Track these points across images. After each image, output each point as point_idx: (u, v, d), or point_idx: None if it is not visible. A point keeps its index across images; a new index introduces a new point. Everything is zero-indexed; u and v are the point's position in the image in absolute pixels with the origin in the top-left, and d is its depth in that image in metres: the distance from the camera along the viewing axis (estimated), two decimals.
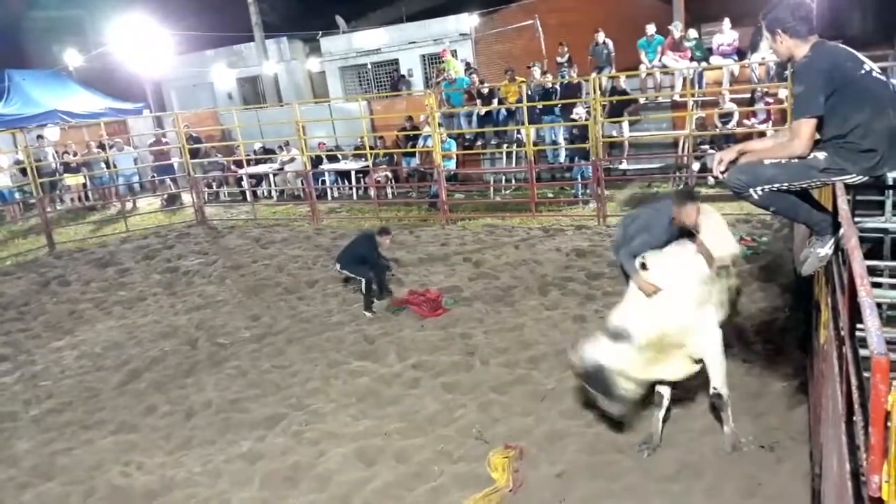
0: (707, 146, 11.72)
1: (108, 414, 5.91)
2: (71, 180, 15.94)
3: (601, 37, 13.54)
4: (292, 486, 4.56)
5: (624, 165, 12.37)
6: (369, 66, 20.64)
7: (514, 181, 13.24)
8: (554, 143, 12.54)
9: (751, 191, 3.30)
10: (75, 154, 16.38)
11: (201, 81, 22.61)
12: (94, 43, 20.78)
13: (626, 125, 12.45)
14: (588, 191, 11.56)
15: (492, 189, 13.06)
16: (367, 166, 13.73)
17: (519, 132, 12.76)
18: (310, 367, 6.34)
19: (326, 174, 14.68)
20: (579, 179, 11.83)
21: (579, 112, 11.63)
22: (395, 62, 19.95)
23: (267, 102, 20.13)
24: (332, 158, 15.13)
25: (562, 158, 12.45)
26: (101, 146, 15.72)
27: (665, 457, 4.42)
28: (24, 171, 12.62)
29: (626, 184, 11.59)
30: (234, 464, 4.88)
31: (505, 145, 13.29)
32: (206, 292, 9.01)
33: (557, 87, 12.78)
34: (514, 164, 13.14)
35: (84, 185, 16.13)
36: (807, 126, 3.11)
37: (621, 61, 13.90)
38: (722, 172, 3.43)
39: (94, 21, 21.63)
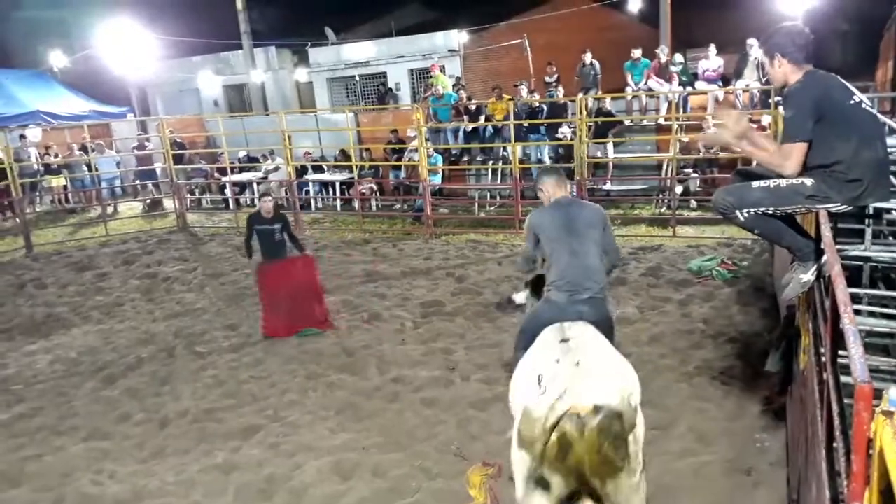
0: (690, 170, 11.86)
1: (80, 420, 5.80)
2: (52, 182, 15.76)
3: (588, 58, 13.68)
4: (266, 499, 4.49)
5: (608, 186, 12.46)
6: (357, 79, 20.70)
7: (498, 198, 13.28)
8: (539, 161, 12.61)
9: (737, 212, 3.34)
10: (57, 155, 16.20)
11: (187, 87, 22.54)
12: (80, 45, 20.64)
13: (610, 146, 12.55)
14: None
15: (476, 205, 13.09)
16: (352, 178, 13.71)
17: (505, 149, 12.81)
18: (288, 378, 6.28)
19: (311, 184, 14.64)
20: None
21: (565, 132, 11.72)
22: (384, 75, 20.04)
23: (253, 111, 20.07)
24: (318, 169, 15.10)
25: None
26: (84, 148, 15.56)
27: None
28: (2, 172, 12.45)
29: (609, 204, 11.69)
30: (208, 474, 4.80)
31: (491, 162, 13.35)
32: (186, 300, 8.92)
33: (544, 106, 12.87)
34: (499, 181, 13.19)
35: (65, 186, 15.95)
36: (797, 150, 3.16)
37: (607, 83, 14.05)
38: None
39: (80, 23, 21.49)
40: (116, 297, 9.21)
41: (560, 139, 11.65)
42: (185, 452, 5.15)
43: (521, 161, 12.02)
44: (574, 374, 3.10)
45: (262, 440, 5.22)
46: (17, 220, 12.62)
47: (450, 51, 18.67)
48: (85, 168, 15.63)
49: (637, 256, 9.39)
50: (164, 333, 7.70)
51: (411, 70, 19.55)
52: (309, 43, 21.22)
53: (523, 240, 4.05)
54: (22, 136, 15.64)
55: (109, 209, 15.18)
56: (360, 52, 20.30)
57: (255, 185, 15.13)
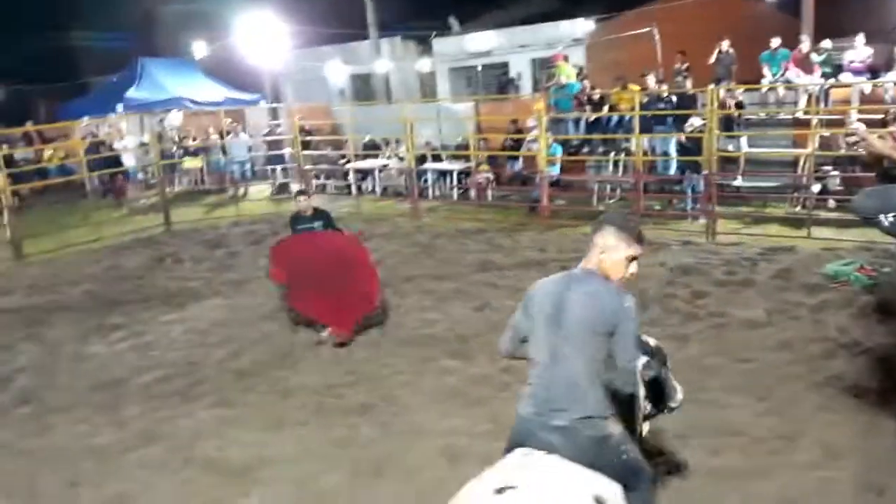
0: (829, 167, 11.07)
1: (209, 388, 6.18)
2: (189, 164, 16.82)
3: (725, 45, 13.03)
4: (378, 476, 4.61)
5: (738, 182, 11.85)
6: (479, 68, 20.74)
7: (619, 191, 12.95)
8: (665, 154, 12.17)
9: (881, 217, 3.07)
10: (195, 139, 17.26)
11: (316, 76, 23.37)
12: (220, 35, 21.85)
13: (743, 140, 11.92)
14: (698, 206, 11.15)
15: (595, 197, 12.81)
16: (470, 167, 13.78)
17: (628, 141, 12.46)
18: (401, 361, 6.41)
19: (429, 173, 14.83)
20: (689, 193, 11.43)
21: (694, 123, 11.24)
22: (505, 65, 19.97)
23: (377, 99, 20.56)
24: (436, 158, 15.28)
25: (672, 171, 12.07)
26: (220, 133, 16.49)
27: (765, 486, 4.18)
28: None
29: (739, 201, 11.13)
30: (324, 448, 4.99)
31: (612, 153, 13.01)
32: None
33: (672, 97, 12.39)
34: (620, 174, 12.85)
35: (201, 168, 16.99)
36: None
37: (738, 74, 13.35)
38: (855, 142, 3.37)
39: (220, 14, 22.73)
40: (245, 274, 9.71)
41: (688, 132, 11.18)
42: (304, 424, 5.37)
43: (644, 153, 11.65)
44: None
45: (376, 419, 5.36)
46: (159, 198, 13.56)
47: (574, 40, 18.35)
48: (220, 152, 16.58)
49: (767, 257, 8.89)
50: (288, 310, 8.04)
51: (533, 60, 19.38)
52: (433, 33, 21.46)
53: None
54: (161, 121, 16.76)
55: (241, 191, 16.03)
56: (483, 42, 20.32)
57: (376, 173, 15.51)
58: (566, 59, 15.64)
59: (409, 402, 5.60)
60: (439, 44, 21.18)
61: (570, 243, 10.23)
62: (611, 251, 2.87)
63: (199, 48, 21.56)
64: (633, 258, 2.90)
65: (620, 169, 12.93)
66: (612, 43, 18.04)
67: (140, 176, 16.65)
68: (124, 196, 15.12)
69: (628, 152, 12.49)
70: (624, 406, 3.02)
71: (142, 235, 12.64)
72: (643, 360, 3.15)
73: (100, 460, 5.13)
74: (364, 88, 23.16)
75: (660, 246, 9.78)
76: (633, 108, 11.71)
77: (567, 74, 14.71)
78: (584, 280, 2.88)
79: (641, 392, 3.19)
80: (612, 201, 12.69)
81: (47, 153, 15.92)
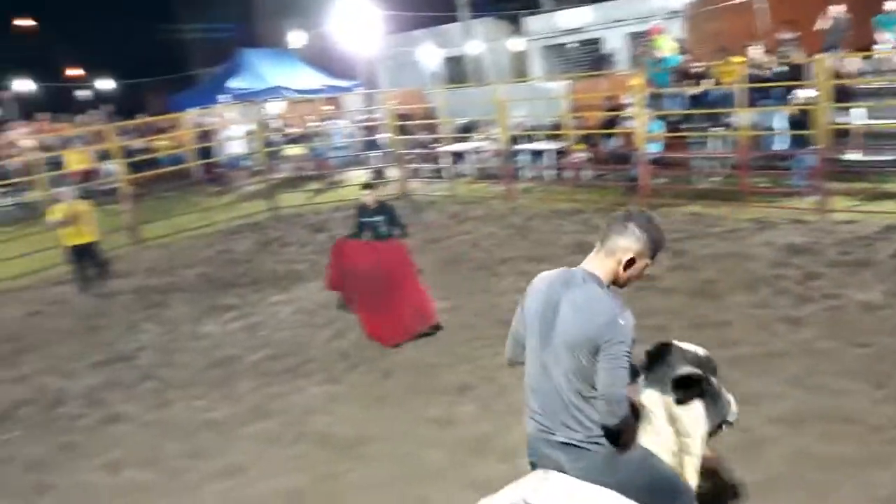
0: None
1: (316, 366, 6.44)
2: (291, 151, 17.40)
3: (838, 10, 12.21)
4: (479, 456, 4.68)
5: (852, 156, 11.14)
6: (572, 46, 20.35)
7: (723, 168, 12.44)
8: (771, 128, 11.59)
9: None
10: (296, 127, 17.82)
11: (409, 60, 23.59)
12: (317, 23, 22.38)
13: (858, 112, 11.18)
14: (808, 182, 10.58)
15: (698, 175, 12.36)
16: (564, 147, 13.59)
17: (731, 115, 11.94)
18: (499, 342, 6.40)
19: (522, 154, 14.73)
20: (798, 169, 10.86)
21: (803, 95, 10.63)
22: (599, 41, 19.50)
23: (470, 81, 20.56)
24: (530, 138, 15.16)
25: (779, 146, 11.49)
26: (319, 121, 16.96)
27: (882, 476, 3.98)
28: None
29: (854, 176, 10.48)
30: (425, 426, 5.11)
31: (715, 129, 12.50)
32: None
33: (779, 67, 11.75)
34: (724, 150, 12.35)
35: (302, 156, 17.54)
36: None
37: (850, 41, 12.46)
38: None
39: (317, 3, 23.26)
40: None
41: (797, 104, 10.59)
42: (406, 403, 5.52)
43: (750, 128, 11.14)
44: None
45: (475, 398, 5.44)
46: (264, 184, 14.12)
47: (671, 12, 17.68)
48: (319, 139, 17.06)
49: (886, 236, 8.35)
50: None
51: (629, 34, 18.83)
52: (524, 11, 21.21)
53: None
54: (262, 110, 17.37)
55: (340, 177, 16.46)
56: (576, 19, 19.90)
57: (470, 156, 15.54)
58: (663, 32, 15.10)
59: (507, 382, 5.63)
60: (531, 22, 20.90)
61: (672, 223, 9.95)
62: (624, 254, 2.51)
63: (297, 37, 22.15)
64: (645, 267, 2.58)
65: (724, 145, 12.41)
66: (712, 14, 17.25)
67: (246, 164, 17.38)
68: (224, 185, 15.66)
69: (732, 127, 11.97)
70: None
71: (249, 220, 13.22)
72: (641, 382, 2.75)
73: (216, 433, 5.47)
74: (457, 71, 23.19)
75: (767, 225, 9.37)
76: (737, 81, 11.20)
77: (664, 48, 14.22)
78: (580, 285, 2.47)
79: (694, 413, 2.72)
80: (715, 179, 12.22)
81: (159, 143, 16.85)
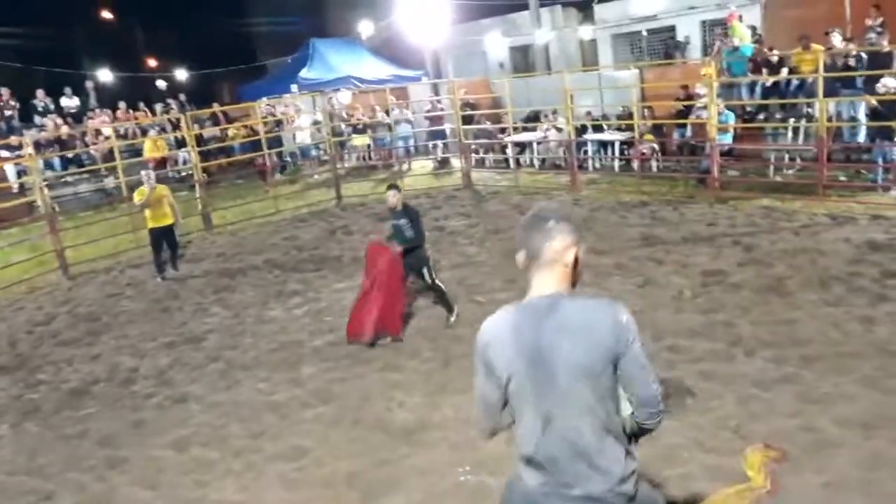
0: None
1: (377, 353, 6.52)
2: (357, 141, 17.61)
3: None
4: None
5: None
6: (644, 34, 19.88)
7: (799, 160, 11.96)
8: (853, 119, 11.07)
9: None
10: (363, 116, 18.00)
11: (476, 50, 23.49)
12: (384, 14, 22.52)
13: None
14: (890, 176, 10.08)
15: (772, 167, 11.92)
16: (633, 137, 13.32)
17: (810, 106, 11.46)
18: None
19: (589, 144, 14.51)
20: (880, 162, 10.35)
21: (888, 84, 10.11)
22: (672, 29, 18.98)
23: (537, 71, 20.35)
24: (597, 128, 14.92)
25: (861, 138, 10.97)
26: (385, 111, 17.09)
27: None
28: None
29: None
30: None
31: (792, 120, 12.00)
32: (467, 252, 9.47)
33: (863, 55, 11.20)
34: (800, 142, 11.86)
35: (368, 145, 17.73)
36: None
37: None
38: None
39: None
40: None
41: (881, 94, 10.07)
42: (465, 391, 5.51)
43: (829, 119, 10.68)
44: None
45: None
46: (331, 174, 14.34)
47: None
48: (385, 128, 17.19)
49: None
50: (449, 281, 8.22)
51: (703, 22, 18.26)
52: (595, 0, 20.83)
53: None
54: (329, 99, 17.60)
55: (405, 166, 16.57)
56: (649, 6, 19.40)
57: (534, 146, 15.41)
58: (740, 19, 14.59)
59: None
60: (602, 10, 20.51)
61: (743, 217, 9.66)
62: (565, 254, 2.18)
63: (366, 27, 22.33)
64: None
65: (801, 136, 11.93)
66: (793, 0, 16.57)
67: (313, 153, 17.68)
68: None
69: (810, 118, 11.49)
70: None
71: (316, 209, 13.46)
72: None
73: (279, 415, 5.61)
74: (523, 60, 22.97)
75: (845, 220, 8.97)
76: (816, 70, 10.73)
77: (741, 36, 13.73)
78: (556, 308, 2.11)
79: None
80: (790, 171, 11.76)
81: (231, 132, 17.31)
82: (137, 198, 9.60)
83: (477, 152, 16.19)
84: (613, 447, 2.14)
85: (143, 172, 10.01)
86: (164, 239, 9.83)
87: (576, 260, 2.21)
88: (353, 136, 17.56)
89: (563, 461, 2.14)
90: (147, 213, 9.66)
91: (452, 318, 6.98)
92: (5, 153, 14.44)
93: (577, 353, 2.06)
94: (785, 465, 4.13)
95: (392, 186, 7.13)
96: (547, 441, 2.14)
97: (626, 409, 2.17)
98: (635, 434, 2.23)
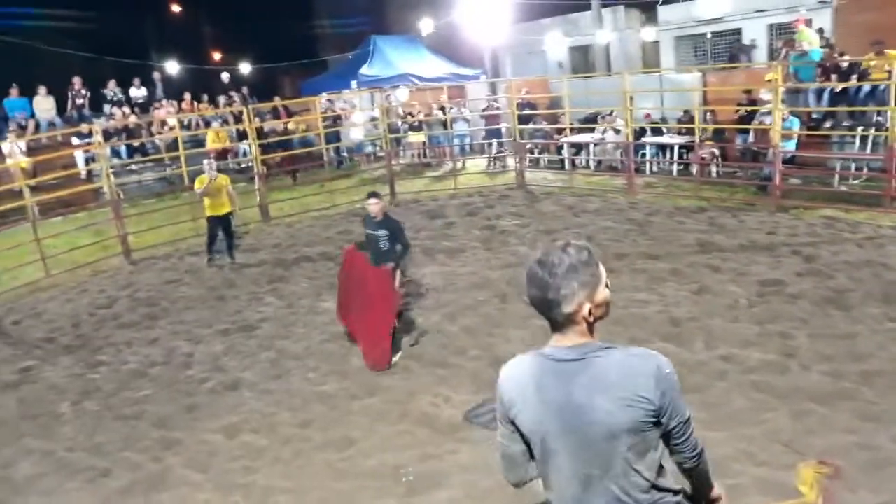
0: None
1: (424, 349, 6.57)
2: (413, 138, 17.72)
3: None
4: None
5: None
6: (708, 36, 19.47)
7: (866, 170, 11.55)
8: None
9: None
10: (419, 113, 18.12)
11: (535, 50, 23.37)
12: (445, 11, 22.56)
13: None
14: None
15: (837, 177, 11.54)
16: (693, 141, 13.06)
17: (881, 114, 11.05)
18: (610, 338, 6.30)
19: (647, 147, 14.29)
20: None
21: None
22: (738, 32, 18.55)
23: (597, 71, 20.13)
24: (656, 131, 14.67)
25: None
26: (442, 108, 17.15)
27: None
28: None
29: None
30: None
31: (860, 128, 11.60)
32: (519, 252, 9.44)
33: None
34: (868, 151, 11.45)
35: (423, 143, 17.82)
36: None
37: None
38: None
39: None
40: (460, 244, 10.11)
41: None
42: None
43: None
44: None
45: None
46: (386, 170, 14.46)
47: (819, 2, 16.53)
48: (441, 126, 17.25)
49: None
50: (499, 281, 8.26)
51: (770, 25, 17.79)
52: (660, 1, 20.48)
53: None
54: (388, 97, 17.75)
55: (459, 165, 16.60)
56: (714, 8, 18.99)
57: (591, 147, 15.26)
58: (808, 23, 14.18)
59: None
60: (665, 11, 20.16)
61: (805, 226, 9.39)
62: (582, 309, 1.93)
63: (426, 25, 22.42)
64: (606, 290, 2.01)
65: (869, 145, 11.51)
66: (866, 4, 15.99)
67: (369, 149, 17.85)
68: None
69: (879, 126, 11.07)
70: None
71: None
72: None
73: (328, 406, 5.71)
74: (583, 60, 22.75)
75: None
76: (889, 77, 10.33)
77: (809, 40, 13.34)
78: (587, 365, 1.91)
79: None
80: (856, 182, 11.37)
81: (291, 126, 17.63)
82: (198, 185, 9.89)
83: (532, 152, 16.11)
84: (655, 496, 2.00)
85: (204, 161, 10.33)
86: (220, 227, 10.12)
87: (597, 306, 1.95)
88: (409, 133, 17.67)
89: None
90: (206, 201, 9.95)
91: (395, 358, 6.34)
92: (76, 140, 14.99)
93: (616, 412, 1.86)
94: (839, 482, 4.02)
95: (373, 194, 6.76)
96: (589, 499, 1.96)
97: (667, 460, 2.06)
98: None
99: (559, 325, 1.96)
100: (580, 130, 15.83)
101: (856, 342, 5.80)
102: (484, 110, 17.55)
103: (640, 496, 1.96)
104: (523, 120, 15.28)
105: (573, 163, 15.27)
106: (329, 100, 18.12)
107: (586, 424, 1.88)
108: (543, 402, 1.92)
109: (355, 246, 6.90)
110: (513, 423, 2.00)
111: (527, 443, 2.02)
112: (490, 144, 17.20)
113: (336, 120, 17.44)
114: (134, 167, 15.88)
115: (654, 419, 1.89)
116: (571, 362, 1.92)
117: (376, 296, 6.36)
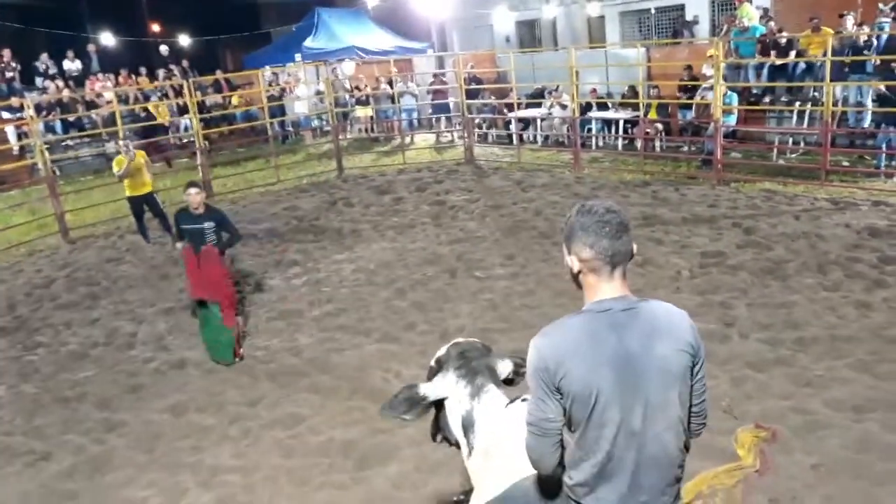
0: None
1: (374, 324, 6.56)
2: (360, 112, 17.49)
3: None
4: None
5: None
6: (652, 12, 19.66)
7: (802, 144, 11.92)
8: (859, 104, 11.01)
9: None
10: (366, 87, 17.89)
11: (482, 24, 23.22)
12: None
13: None
14: (894, 162, 10.05)
15: (775, 151, 11.88)
16: (637, 116, 13.24)
17: (817, 90, 11.38)
18: (559, 312, 6.38)
19: (593, 122, 14.43)
20: (884, 148, 10.32)
21: None
22: (681, 8, 18.77)
23: (543, 46, 20.16)
24: (602, 106, 14.82)
25: (866, 123, 10.92)
26: (389, 82, 16.96)
27: None
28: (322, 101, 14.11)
29: None
30: None
31: (798, 103, 11.94)
32: (468, 227, 9.47)
33: (874, 40, 11.10)
34: (805, 126, 11.81)
35: (371, 117, 17.62)
36: None
37: None
38: None
39: None
40: (409, 220, 10.08)
41: (889, 79, 10.00)
42: None
43: (835, 104, 10.62)
44: None
45: None
46: (332, 145, 14.28)
47: None
48: (388, 101, 17.08)
49: None
50: (448, 256, 8.28)
51: (713, 1, 18.07)
52: None
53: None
54: (333, 70, 17.45)
55: (407, 139, 16.49)
56: None
57: (538, 122, 15.33)
58: (750, 0, 14.44)
59: None
60: None
61: (745, 199, 9.65)
62: (630, 260, 2.06)
63: None
64: None
65: (806, 120, 11.87)
66: None
67: (315, 123, 17.56)
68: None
69: (816, 102, 11.42)
70: None
71: (317, 180, 13.43)
72: None
73: (276, 383, 5.65)
74: (530, 35, 22.75)
75: (846, 205, 8.96)
76: (824, 54, 10.65)
77: (750, 17, 13.60)
78: (638, 313, 1.96)
79: None
80: (794, 156, 11.72)
81: (234, 100, 17.20)
82: (116, 168, 9.41)
83: (480, 127, 16.10)
84: (683, 461, 2.05)
85: (120, 142, 9.78)
86: (145, 206, 9.69)
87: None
88: (356, 107, 17.44)
89: (652, 479, 1.99)
90: (126, 181, 9.47)
91: (242, 350, 6.18)
92: (6, 114, 14.33)
93: (670, 357, 1.93)
94: (775, 445, 4.19)
95: (192, 184, 6.38)
96: (628, 457, 1.95)
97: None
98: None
99: (616, 273, 2.00)
100: (527, 105, 15.86)
101: (792, 311, 6.01)
102: (431, 84, 17.42)
103: (680, 456, 2.02)
104: (471, 95, 15.23)
105: (521, 138, 15.32)
106: (274, 73, 17.71)
107: (641, 372, 1.91)
108: (599, 354, 1.91)
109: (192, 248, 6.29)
110: (559, 389, 1.93)
111: (570, 411, 1.96)
112: (438, 119, 17.11)
113: (281, 94, 17.08)
114: (70, 143, 15.29)
115: (693, 366, 1.99)
116: (622, 312, 1.95)
117: (209, 271, 6.06)
